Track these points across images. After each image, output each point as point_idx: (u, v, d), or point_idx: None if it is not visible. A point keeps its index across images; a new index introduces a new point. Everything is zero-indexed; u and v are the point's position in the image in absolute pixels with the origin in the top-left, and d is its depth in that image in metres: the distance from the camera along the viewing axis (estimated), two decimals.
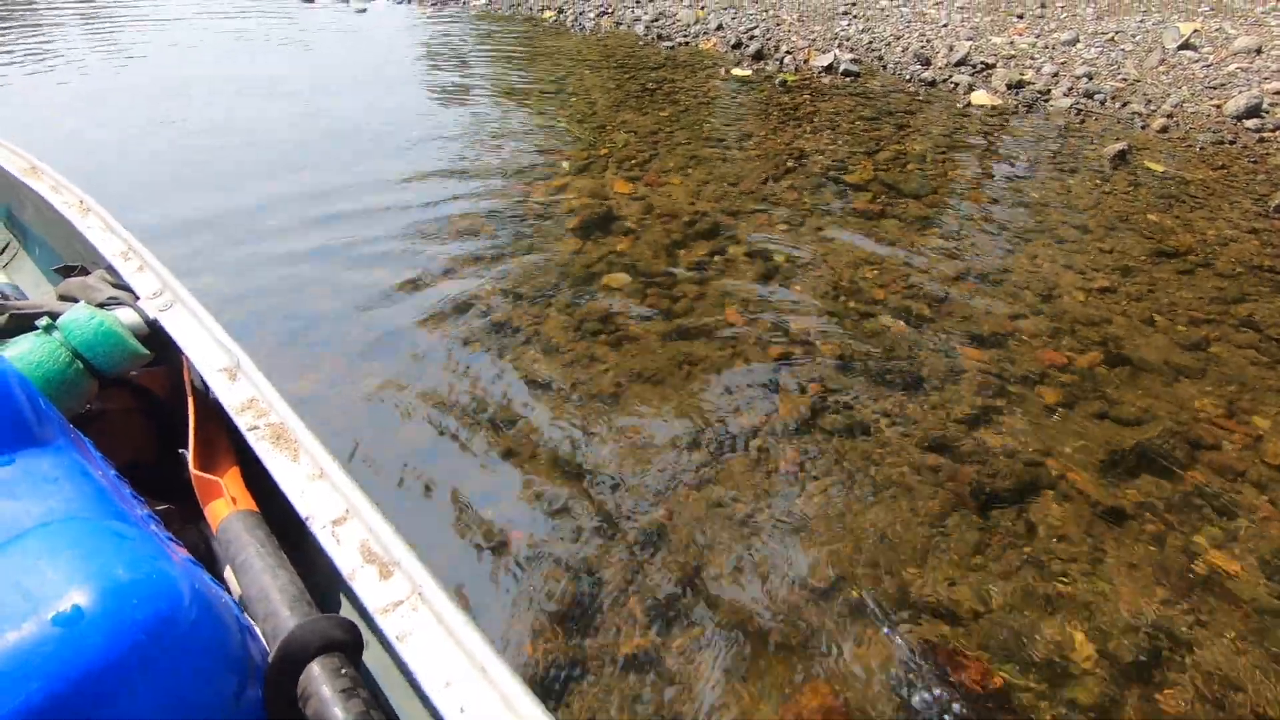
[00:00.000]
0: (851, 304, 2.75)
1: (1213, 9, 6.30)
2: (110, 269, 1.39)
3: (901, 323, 2.64)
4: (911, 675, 1.47)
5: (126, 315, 1.22)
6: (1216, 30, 5.84)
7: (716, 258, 3.10)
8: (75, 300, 1.26)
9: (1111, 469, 2.01)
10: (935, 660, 1.50)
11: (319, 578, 0.91)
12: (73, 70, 6.37)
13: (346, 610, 0.90)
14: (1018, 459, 2.03)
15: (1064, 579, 1.69)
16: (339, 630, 0.77)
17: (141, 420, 1.24)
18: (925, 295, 2.82)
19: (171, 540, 0.86)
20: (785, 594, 1.63)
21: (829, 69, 6.04)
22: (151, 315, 1.23)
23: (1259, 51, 5.38)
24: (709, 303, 2.76)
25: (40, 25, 8.51)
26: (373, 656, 0.82)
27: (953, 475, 1.98)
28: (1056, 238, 3.28)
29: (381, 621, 0.73)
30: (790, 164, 4.11)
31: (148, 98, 5.48)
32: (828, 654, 1.51)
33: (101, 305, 1.25)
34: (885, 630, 1.56)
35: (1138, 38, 5.95)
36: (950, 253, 3.16)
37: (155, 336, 1.22)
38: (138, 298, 1.28)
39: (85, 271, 1.45)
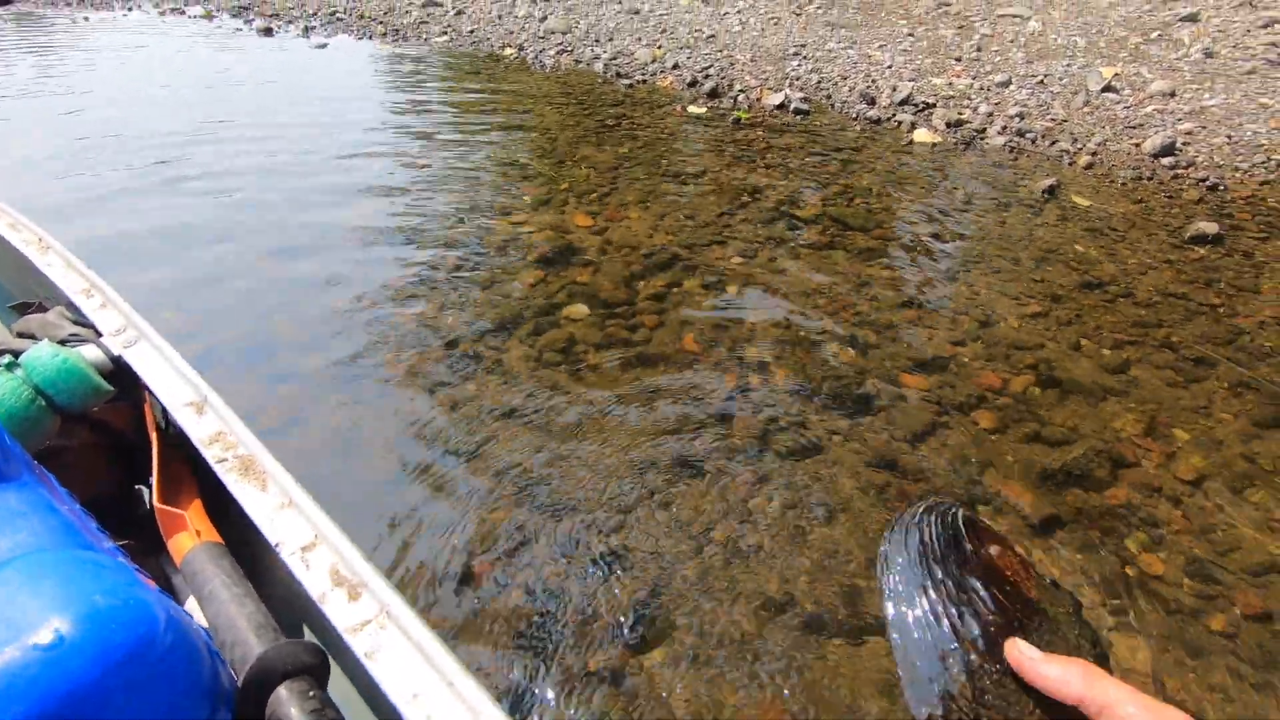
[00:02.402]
0: (803, 332, 2.87)
1: (1131, 55, 6.80)
2: (71, 305, 1.40)
3: (850, 350, 2.76)
4: (859, 689, 1.54)
5: (90, 352, 1.23)
6: (1135, 74, 6.31)
7: (674, 289, 3.20)
8: (34, 337, 1.27)
9: (1043, 484, 2.14)
10: (883, 671, 1.57)
11: (283, 605, 0.93)
12: (15, 105, 6.24)
13: (312, 636, 0.93)
14: (958, 476, 2.15)
15: None
16: (306, 654, 0.79)
17: (103, 455, 1.25)
18: (872, 323, 2.96)
19: (139, 571, 0.88)
20: (740, 610, 1.69)
21: (781, 107, 6.30)
22: (115, 352, 1.24)
23: (1172, 95, 5.82)
24: (668, 332, 2.85)
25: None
26: (340, 680, 0.85)
27: (899, 491, 2.08)
28: (992, 268, 3.48)
29: (350, 641, 0.77)
30: (744, 198, 4.27)
31: (85, 125, 5.40)
32: (781, 669, 1.57)
33: (63, 342, 1.25)
34: (836, 645, 1.63)
35: (1064, 80, 6.37)
36: (895, 282, 3.32)
37: (119, 372, 1.23)
38: (99, 334, 1.29)
39: (43, 308, 1.45)
